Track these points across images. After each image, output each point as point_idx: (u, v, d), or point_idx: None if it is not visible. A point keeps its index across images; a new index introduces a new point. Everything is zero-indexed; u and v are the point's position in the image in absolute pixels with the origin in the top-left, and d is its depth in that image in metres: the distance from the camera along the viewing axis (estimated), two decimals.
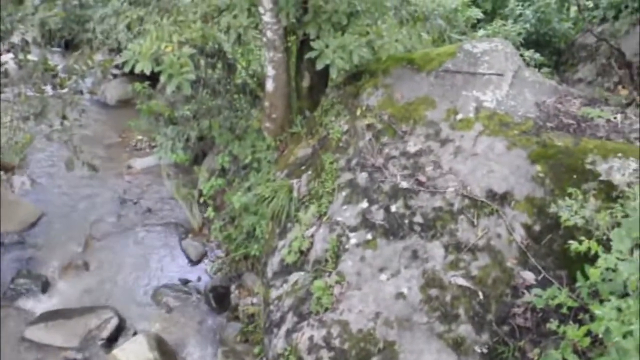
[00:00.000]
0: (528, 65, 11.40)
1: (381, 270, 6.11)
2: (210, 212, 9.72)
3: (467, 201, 6.33)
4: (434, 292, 5.77)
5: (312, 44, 7.68)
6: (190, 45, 7.85)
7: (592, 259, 4.65)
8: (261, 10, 8.08)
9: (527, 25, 13.71)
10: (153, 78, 8.88)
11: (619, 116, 7.21)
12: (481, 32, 13.15)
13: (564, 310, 5.06)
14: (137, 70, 7.47)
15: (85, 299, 8.90)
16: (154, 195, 11.61)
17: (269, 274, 7.13)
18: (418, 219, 6.38)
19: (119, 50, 11.88)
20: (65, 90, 9.16)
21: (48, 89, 9.07)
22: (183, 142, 9.77)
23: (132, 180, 12.08)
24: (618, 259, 4.40)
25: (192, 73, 7.53)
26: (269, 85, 8.64)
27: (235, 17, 8.36)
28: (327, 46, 7.55)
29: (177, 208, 11.20)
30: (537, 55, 12.55)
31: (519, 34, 13.15)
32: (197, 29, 8.19)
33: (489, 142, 6.75)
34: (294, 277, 6.71)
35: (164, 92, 8.62)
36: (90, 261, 9.70)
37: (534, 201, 6.17)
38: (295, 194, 7.61)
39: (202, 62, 9.44)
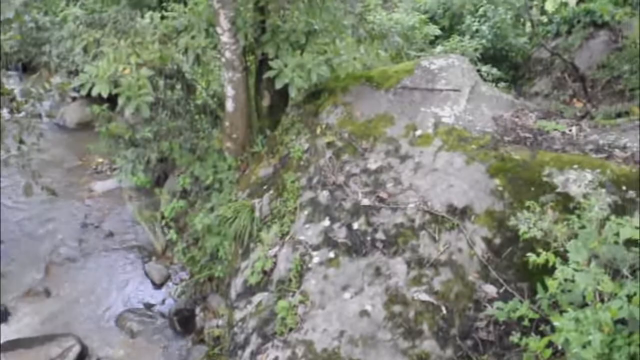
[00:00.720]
0: (485, 80, 11.59)
1: (344, 288, 6.10)
2: (172, 235, 9.61)
3: (428, 216, 6.37)
4: (397, 308, 5.78)
5: (270, 63, 7.70)
6: (148, 67, 7.79)
7: (552, 271, 4.70)
8: (219, 30, 8.08)
9: (484, 41, 13.94)
10: (113, 100, 8.76)
11: (574, 128, 7.34)
12: (439, 48, 13.32)
13: (526, 322, 5.12)
14: (94, 93, 7.39)
15: (47, 327, 8.71)
16: (116, 219, 11.46)
17: (233, 296, 7.07)
18: (380, 235, 6.40)
19: (77, 73, 11.75)
20: (23, 114, 9.02)
21: (5, 113, 8.92)
22: (144, 165, 9.65)
23: (93, 204, 11.91)
24: (575, 270, 4.46)
25: (151, 95, 7.48)
26: (229, 105, 8.62)
27: (193, 37, 8.34)
28: (285, 65, 7.57)
29: (140, 231, 11.06)
30: (494, 70, 12.76)
31: (476, 49, 13.36)
32: (155, 50, 8.13)
33: (448, 157, 6.81)
34: (258, 297, 6.67)
35: (123, 114, 8.52)
36: (51, 287, 9.51)
37: (493, 215, 6.23)
38: (257, 213, 7.58)
39: (161, 83, 9.37)
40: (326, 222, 6.73)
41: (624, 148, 6.99)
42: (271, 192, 7.69)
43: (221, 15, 7.93)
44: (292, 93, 7.64)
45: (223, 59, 8.34)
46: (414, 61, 8.69)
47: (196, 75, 10.39)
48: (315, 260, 6.47)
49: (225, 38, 8.08)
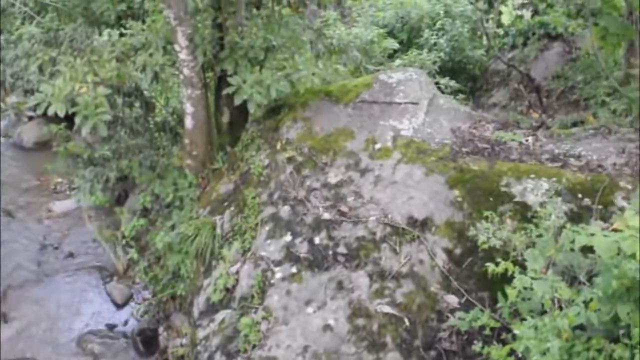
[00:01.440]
0: (444, 92, 11.73)
1: (307, 303, 6.09)
2: (134, 254, 9.49)
3: (389, 229, 6.40)
4: (360, 321, 5.79)
5: (229, 79, 7.69)
6: (105, 85, 7.71)
7: (512, 280, 4.75)
8: (177, 48, 8.06)
9: (442, 54, 14.12)
10: (71, 119, 8.67)
11: (530, 139, 7.48)
12: (398, 61, 13.44)
13: (487, 331, 5.17)
14: (50, 112, 7.28)
15: (6, 353, 8.50)
16: (76, 239, 11.25)
17: (196, 314, 7.01)
18: (342, 249, 6.41)
19: (33, 92, 11.58)
20: None
21: None
22: (102, 184, 9.53)
23: (52, 225, 11.68)
24: (533, 278, 4.52)
25: (108, 113, 7.41)
26: (188, 122, 8.58)
27: (151, 55, 8.30)
28: (244, 81, 7.57)
29: (101, 251, 10.86)
30: (452, 82, 12.90)
31: (434, 62, 13.52)
32: (112, 68, 8.06)
33: (408, 170, 6.87)
34: (221, 315, 6.62)
35: (81, 133, 8.42)
36: (9, 312, 9.27)
37: (453, 225, 6.29)
38: (218, 230, 7.54)
39: (119, 101, 9.28)
40: (288, 237, 6.72)
41: (578, 157, 7.13)
42: (232, 208, 7.66)
43: (179, 32, 7.91)
44: (252, 109, 7.65)
45: (181, 76, 8.31)
46: (372, 75, 8.76)
47: (155, 93, 10.33)
48: (278, 275, 6.45)
49: (183, 55, 8.06)
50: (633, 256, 3.94)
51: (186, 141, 8.80)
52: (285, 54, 8.03)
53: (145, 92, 9.97)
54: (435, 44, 14.55)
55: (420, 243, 6.24)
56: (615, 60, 10.69)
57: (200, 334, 6.67)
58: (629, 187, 6.32)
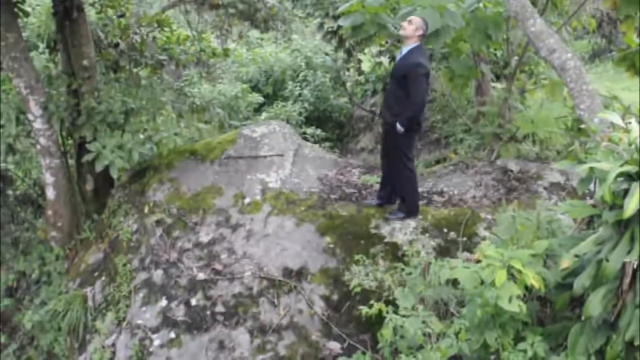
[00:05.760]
0: (313, 141, 11.95)
1: None
2: (2, 337, 8.87)
3: (265, 283, 6.38)
4: None
5: (88, 146, 7.46)
6: None
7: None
8: (31, 117, 7.75)
9: (307, 104, 14.39)
10: None
11: None
12: (264, 115, 13.59)
13: None
14: None
15: None
16: None
17: None
18: (220, 308, 6.31)
19: None
20: None
21: None
22: None
23: None
24: (404, 316, 4.63)
25: None
26: (50, 193, 8.22)
27: (2, 127, 7.93)
28: (104, 147, 7.37)
29: None
30: (318, 131, 13.16)
31: (300, 113, 13.76)
32: None
33: (279, 221, 6.90)
34: None
35: None
36: None
37: (328, 272, 6.36)
38: (90, 303, 7.21)
39: None
40: (163, 302, 6.54)
41: (441, 193, 7.45)
42: (103, 278, 7.36)
43: (31, 101, 7.63)
44: (114, 174, 7.45)
45: (38, 146, 7.98)
46: (236, 130, 8.80)
47: (11, 165, 9.85)
48: (156, 343, 6.25)
49: (38, 124, 7.76)
50: (493, 284, 4.12)
51: (49, 212, 8.41)
52: (145, 116, 7.90)
53: (2, 165, 9.49)
54: (299, 95, 14.83)
55: (298, 293, 6.25)
56: (468, 98, 11.29)
57: None
58: (489, 217, 6.67)
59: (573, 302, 4.55)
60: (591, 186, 4.77)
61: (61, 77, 8.29)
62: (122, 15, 9.88)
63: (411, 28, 6.39)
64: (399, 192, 6.87)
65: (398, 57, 6.76)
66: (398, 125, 6.38)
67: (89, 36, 8.16)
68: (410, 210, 6.76)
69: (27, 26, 9.45)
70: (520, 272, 4.28)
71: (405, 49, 6.52)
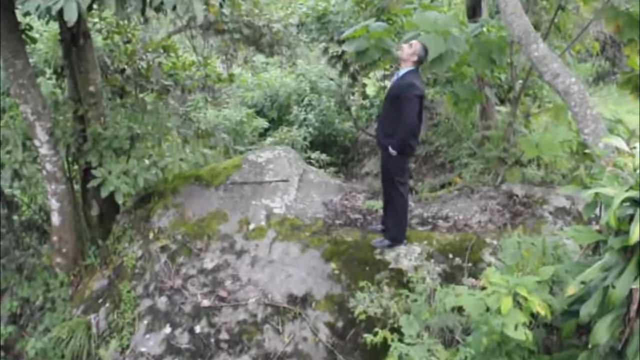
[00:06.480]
0: (318, 166, 11.94)
1: None
2: None
3: (270, 309, 6.35)
4: None
5: (93, 172, 7.47)
6: None
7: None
8: (37, 143, 7.77)
9: (311, 129, 14.38)
10: None
11: None
12: (269, 139, 13.58)
13: None
14: None
15: None
16: None
17: None
18: (224, 335, 6.28)
19: None
20: None
21: None
22: None
23: None
24: (409, 344, 4.58)
25: None
26: (55, 219, 8.22)
27: (9, 152, 7.95)
28: (110, 172, 7.38)
29: None
30: (323, 156, 13.13)
31: (305, 137, 13.75)
32: None
33: (284, 247, 6.88)
34: None
35: None
36: None
37: (333, 298, 6.32)
38: (94, 330, 7.18)
39: None
40: (167, 330, 6.51)
41: (446, 218, 7.42)
42: (107, 305, 7.34)
43: (37, 127, 7.65)
44: (119, 200, 7.44)
45: (44, 172, 8.00)
46: (241, 156, 8.81)
47: (17, 191, 9.87)
48: None
49: (44, 150, 7.78)
50: (498, 311, 4.07)
51: (54, 238, 8.40)
52: (151, 142, 7.92)
53: (7, 191, 9.51)
54: (304, 119, 14.82)
55: (302, 320, 6.22)
56: (472, 122, 11.28)
57: None
58: (495, 242, 6.62)
59: (580, 329, 4.50)
60: (597, 211, 4.74)
61: (68, 103, 8.34)
62: (129, 42, 9.96)
63: (409, 51, 6.41)
64: (388, 215, 6.83)
65: (393, 78, 6.78)
66: (390, 148, 6.39)
67: (96, 62, 8.21)
68: (395, 238, 6.71)
69: (34, 52, 9.51)
70: (526, 299, 4.24)
71: (401, 72, 6.55)
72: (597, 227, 4.82)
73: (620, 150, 4.53)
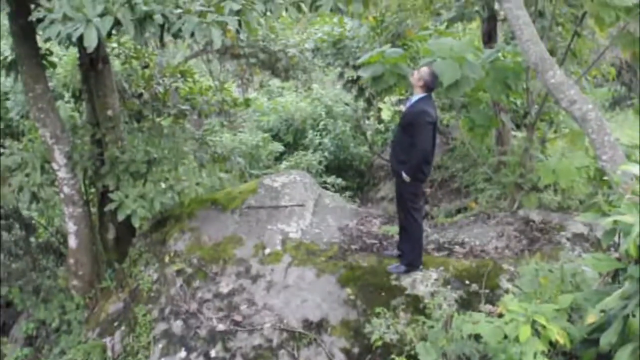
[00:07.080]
0: (334, 190, 11.94)
1: None
2: None
3: (285, 334, 6.32)
4: None
5: (110, 195, 7.52)
6: None
7: None
8: (55, 166, 7.86)
9: (327, 153, 14.43)
10: None
11: None
12: (285, 164, 13.64)
13: None
14: None
15: None
16: None
17: None
18: None
19: None
20: None
21: None
22: None
23: None
24: None
25: None
26: (72, 242, 8.27)
27: (27, 175, 8.03)
28: (127, 196, 7.43)
29: None
30: (339, 180, 13.16)
31: (320, 162, 13.79)
32: None
33: (299, 272, 6.87)
34: None
35: None
36: None
37: (349, 324, 6.29)
38: (109, 353, 7.18)
39: None
40: (182, 354, 6.49)
41: (462, 244, 7.38)
42: (123, 328, 7.34)
43: (56, 150, 7.75)
44: (136, 223, 7.48)
45: (62, 195, 8.07)
46: (257, 180, 8.84)
47: (34, 213, 9.95)
48: None
49: (62, 173, 7.86)
50: (517, 339, 4.04)
51: (71, 261, 8.45)
52: (167, 166, 7.98)
53: (25, 213, 9.59)
54: (320, 143, 14.89)
55: (318, 345, 6.18)
56: (488, 148, 11.27)
57: None
58: (512, 268, 6.58)
59: (600, 358, 4.44)
60: (615, 238, 4.70)
61: (86, 127, 8.43)
62: (147, 66, 10.09)
63: (416, 77, 6.45)
64: (404, 241, 6.81)
65: (406, 105, 6.80)
66: (403, 174, 6.41)
67: (114, 87, 8.31)
68: (411, 263, 6.69)
69: (53, 76, 9.65)
70: (544, 327, 4.20)
71: (413, 98, 6.57)
72: (616, 255, 4.78)
73: (638, 177, 4.50)
